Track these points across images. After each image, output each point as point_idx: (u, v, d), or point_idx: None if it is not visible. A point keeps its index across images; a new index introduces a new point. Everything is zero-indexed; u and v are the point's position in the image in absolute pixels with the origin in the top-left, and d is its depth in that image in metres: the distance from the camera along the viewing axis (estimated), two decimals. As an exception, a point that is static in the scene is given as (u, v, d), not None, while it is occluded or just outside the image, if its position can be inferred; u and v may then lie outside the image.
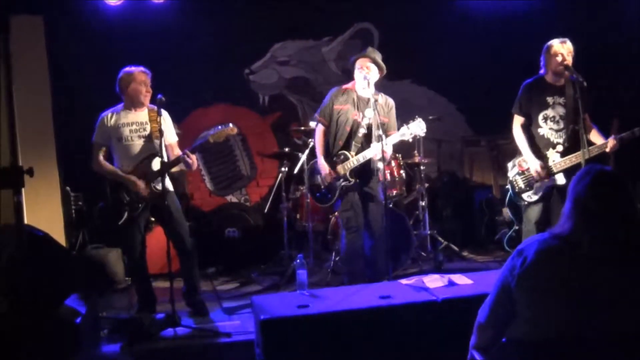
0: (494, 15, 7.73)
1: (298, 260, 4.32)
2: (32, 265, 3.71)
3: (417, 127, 5.00)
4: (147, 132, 4.92)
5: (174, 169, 5.19)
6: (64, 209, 6.32)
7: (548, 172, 4.98)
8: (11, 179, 3.35)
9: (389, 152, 5.07)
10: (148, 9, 7.02)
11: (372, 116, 5.05)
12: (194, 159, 4.89)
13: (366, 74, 5.09)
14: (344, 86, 5.32)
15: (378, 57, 5.18)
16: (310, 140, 6.21)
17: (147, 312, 4.89)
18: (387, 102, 5.23)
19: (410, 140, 5.17)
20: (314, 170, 5.39)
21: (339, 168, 5.14)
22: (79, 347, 3.76)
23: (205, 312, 5.01)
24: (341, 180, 5.15)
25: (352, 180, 5.13)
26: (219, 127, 4.92)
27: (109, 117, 4.97)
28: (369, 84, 5.04)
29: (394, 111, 5.26)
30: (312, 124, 5.96)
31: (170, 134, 5.09)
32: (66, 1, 6.70)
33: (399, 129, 5.09)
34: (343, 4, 7.58)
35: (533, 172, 5.01)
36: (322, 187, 5.29)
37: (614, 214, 2.14)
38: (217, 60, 7.42)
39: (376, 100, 5.03)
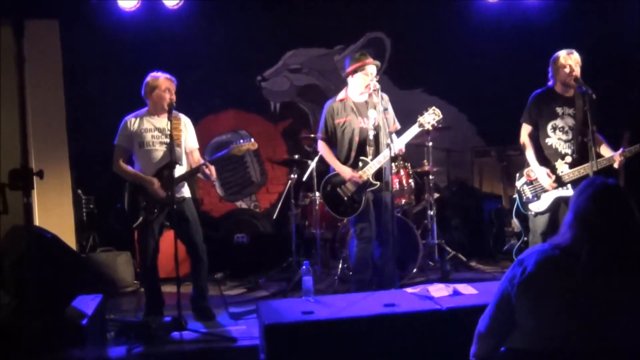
0: (508, 27, 7.71)
1: (304, 267, 4.33)
2: (39, 267, 3.74)
3: (430, 117, 4.99)
4: (168, 139, 4.91)
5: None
6: (75, 211, 6.38)
7: (557, 180, 4.97)
8: (21, 180, 3.40)
9: (403, 147, 5.07)
10: (162, 15, 7.07)
11: (376, 116, 5.04)
12: (212, 170, 4.91)
13: (371, 80, 5.02)
14: (338, 98, 5.22)
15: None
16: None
17: (154, 316, 4.91)
18: (384, 99, 5.05)
19: (430, 128, 5.11)
20: (334, 185, 5.20)
21: (361, 174, 5.05)
22: (85, 348, 3.79)
23: (211, 316, 5.03)
24: (366, 187, 5.07)
25: (377, 184, 5.05)
26: (241, 140, 4.98)
27: (132, 122, 4.98)
28: (378, 92, 4.97)
29: (389, 104, 5.18)
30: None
31: (191, 140, 5.13)
32: (81, 6, 6.76)
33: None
34: (356, 13, 7.61)
35: (542, 180, 5.00)
36: (345, 198, 5.13)
37: (614, 227, 2.15)
38: (230, 66, 7.47)
39: (375, 107, 5.03)
